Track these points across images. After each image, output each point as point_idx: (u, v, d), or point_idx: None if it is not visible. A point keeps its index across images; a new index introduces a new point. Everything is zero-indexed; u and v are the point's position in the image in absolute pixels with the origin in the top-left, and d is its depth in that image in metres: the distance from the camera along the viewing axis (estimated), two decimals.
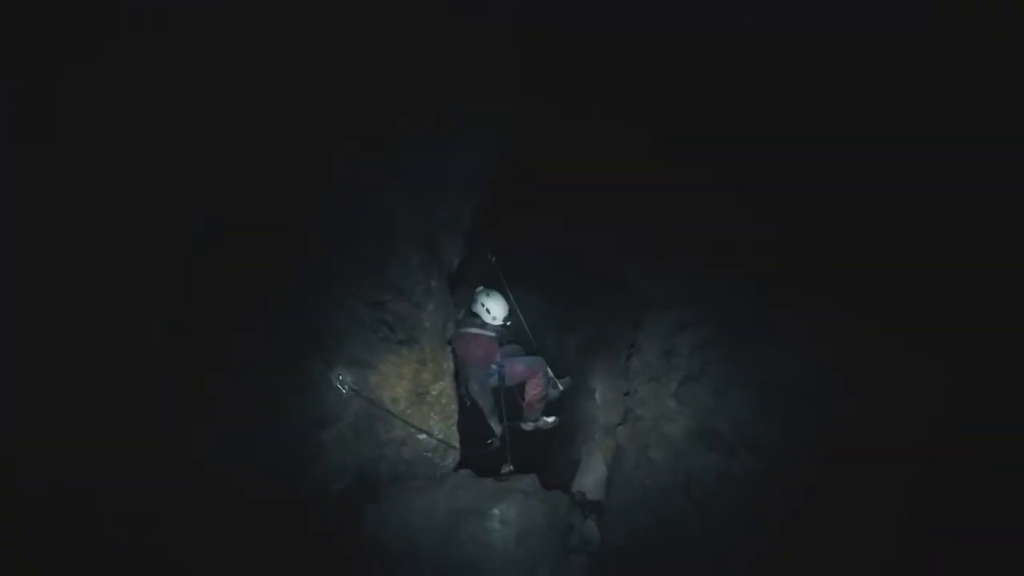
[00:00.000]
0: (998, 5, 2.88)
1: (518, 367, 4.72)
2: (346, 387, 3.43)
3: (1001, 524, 2.32)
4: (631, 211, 4.58)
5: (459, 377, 4.44)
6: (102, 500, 2.46)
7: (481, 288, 4.76)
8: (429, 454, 3.75)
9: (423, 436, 3.71)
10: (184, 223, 2.87)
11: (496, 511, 3.00)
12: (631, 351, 4.19)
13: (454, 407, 4.09)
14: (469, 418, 4.50)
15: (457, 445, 3.95)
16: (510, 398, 4.73)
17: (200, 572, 2.59)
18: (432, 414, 3.87)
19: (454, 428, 4.01)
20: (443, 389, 4.01)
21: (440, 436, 3.81)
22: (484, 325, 4.59)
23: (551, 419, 4.98)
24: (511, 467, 4.01)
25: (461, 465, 3.77)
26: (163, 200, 2.78)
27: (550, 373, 4.93)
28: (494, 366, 4.55)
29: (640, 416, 3.75)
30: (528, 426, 4.93)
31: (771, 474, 2.98)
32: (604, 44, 4.26)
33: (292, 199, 3.24)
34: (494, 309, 4.60)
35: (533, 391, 4.79)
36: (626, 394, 4.06)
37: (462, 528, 2.97)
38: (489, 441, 4.33)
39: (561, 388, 5.03)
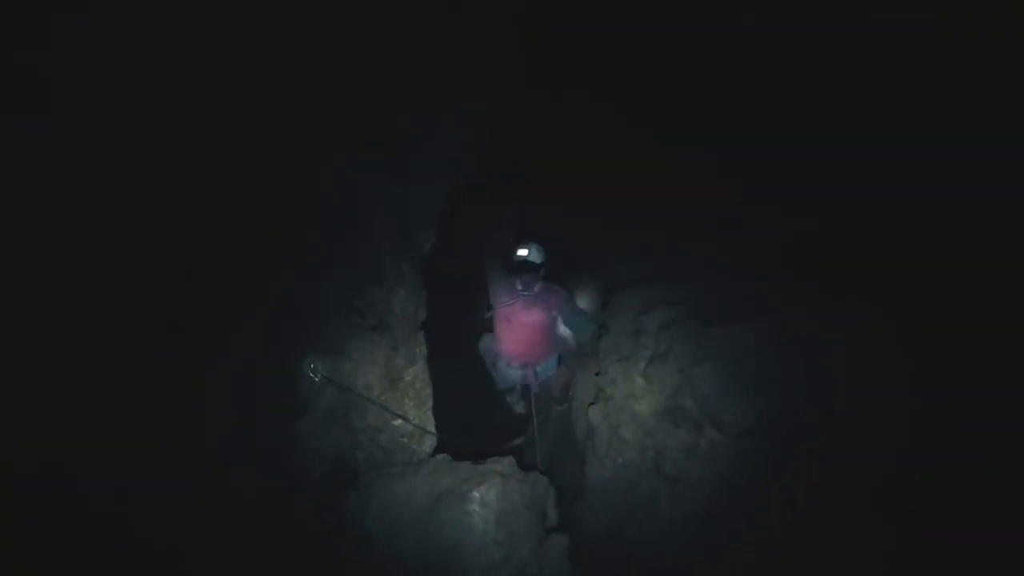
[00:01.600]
0: (998, 5, 2.88)
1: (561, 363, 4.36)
2: (318, 375, 3.33)
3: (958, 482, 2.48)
4: (604, 195, 4.61)
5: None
6: (90, 498, 2.45)
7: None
8: (405, 440, 3.74)
9: (398, 422, 3.68)
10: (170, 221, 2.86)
11: (476, 493, 3.01)
12: (600, 331, 4.23)
13: (428, 392, 4.07)
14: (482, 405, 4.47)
15: (433, 430, 3.94)
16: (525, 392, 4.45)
17: (186, 564, 2.58)
18: (406, 399, 3.86)
19: (429, 413, 4.01)
20: (417, 374, 3.98)
21: (416, 421, 3.80)
22: (537, 271, 3.99)
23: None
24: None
25: (438, 450, 3.75)
26: (149, 201, 2.76)
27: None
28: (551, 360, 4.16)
29: (611, 395, 3.82)
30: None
31: (737, 449, 3.09)
32: (596, 42, 4.23)
33: (258, 186, 3.18)
34: (536, 250, 4.01)
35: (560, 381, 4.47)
36: (597, 374, 4.11)
37: (442, 511, 2.99)
38: (518, 440, 4.21)
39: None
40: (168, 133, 2.79)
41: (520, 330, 4.01)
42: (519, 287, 3.93)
